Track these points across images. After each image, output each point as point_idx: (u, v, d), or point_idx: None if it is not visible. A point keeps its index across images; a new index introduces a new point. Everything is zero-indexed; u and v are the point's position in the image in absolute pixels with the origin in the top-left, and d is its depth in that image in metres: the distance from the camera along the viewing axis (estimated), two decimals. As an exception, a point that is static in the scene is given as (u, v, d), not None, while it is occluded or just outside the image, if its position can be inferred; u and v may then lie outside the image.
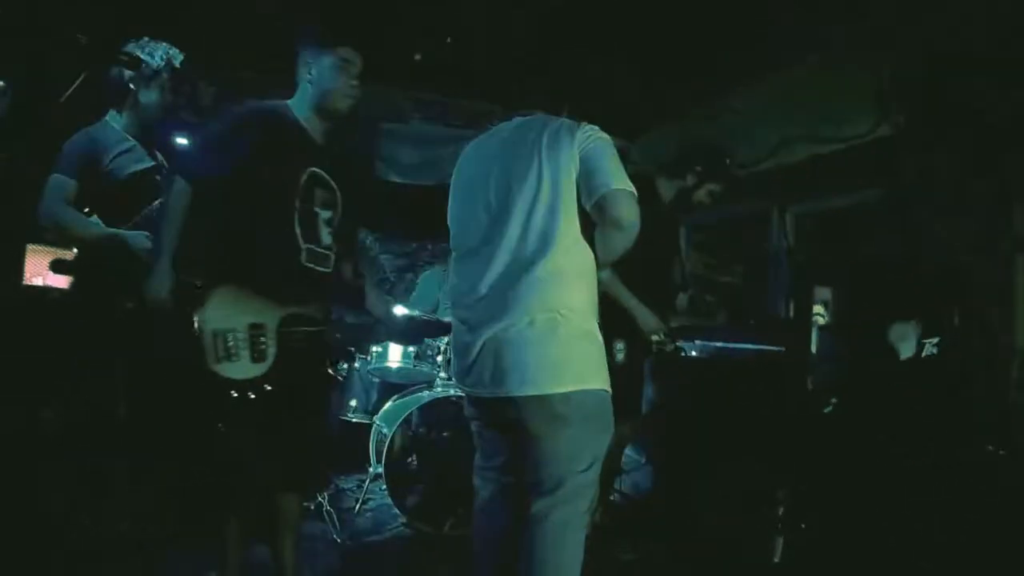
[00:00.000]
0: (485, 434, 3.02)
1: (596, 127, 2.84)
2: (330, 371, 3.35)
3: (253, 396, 2.97)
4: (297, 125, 3.22)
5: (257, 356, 3.00)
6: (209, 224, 3.14)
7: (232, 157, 2.98)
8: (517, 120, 3.04)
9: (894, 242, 5.15)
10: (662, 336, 4.25)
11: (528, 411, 2.66)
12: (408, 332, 3.75)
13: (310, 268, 3.16)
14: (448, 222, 3.16)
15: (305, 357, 3.15)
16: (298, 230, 3.12)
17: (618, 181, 2.67)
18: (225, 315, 2.96)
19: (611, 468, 4.50)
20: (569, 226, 2.74)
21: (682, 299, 4.84)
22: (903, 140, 4.89)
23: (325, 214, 3.24)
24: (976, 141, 4.34)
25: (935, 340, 3.88)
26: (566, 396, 2.62)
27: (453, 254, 3.10)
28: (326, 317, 3.27)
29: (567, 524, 2.66)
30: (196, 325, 2.91)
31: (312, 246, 3.17)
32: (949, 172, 4.54)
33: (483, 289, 2.81)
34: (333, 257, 3.29)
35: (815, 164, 5.66)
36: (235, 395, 2.96)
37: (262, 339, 3.01)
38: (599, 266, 2.85)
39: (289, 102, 3.27)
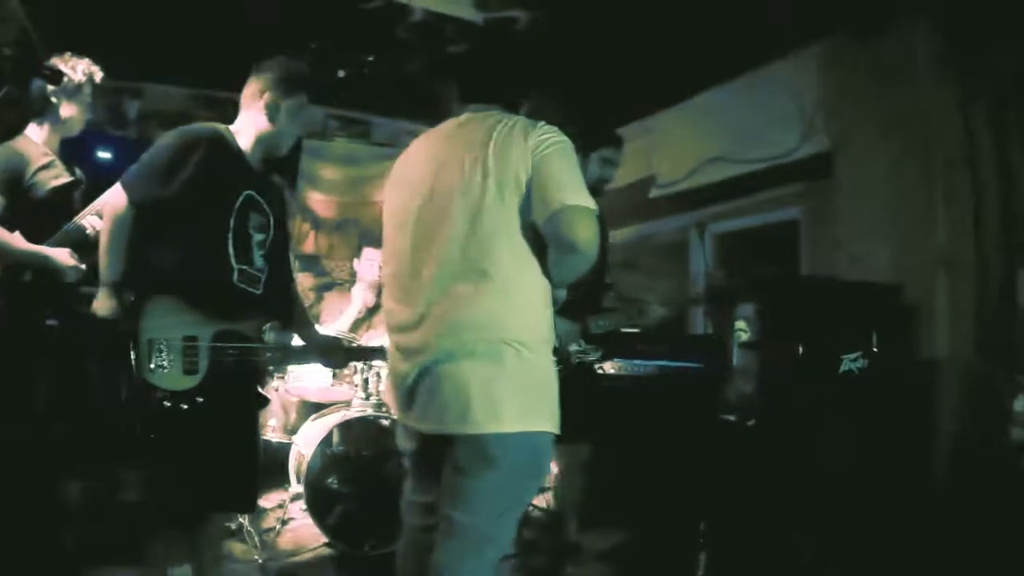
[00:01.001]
0: (419, 468, 2.72)
1: (555, 128, 2.50)
2: (259, 390, 3.29)
3: (184, 407, 2.93)
4: (237, 151, 3.21)
5: (188, 368, 2.96)
6: (145, 240, 3.11)
7: (178, 181, 2.98)
8: (466, 115, 2.70)
9: (816, 259, 5.26)
10: (582, 345, 4.18)
11: (460, 448, 2.37)
12: (330, 354, 3.71)
13: (242, 288, 3.15)
14: (383, 233, 2.85)
15: (236, 373, 3.11)
16: (231, 251, 3.10)
17: (574, 195, 2.35)
18: (159, 325, 2.94)
19: (580, 491, 4.48)
20: (518, 242, 2.43)
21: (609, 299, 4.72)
22: (825, 159, 4.99)
23: (258, 237, 3.24)
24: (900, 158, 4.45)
25: (855, 355, 3.96)
26: (502, 437, 2.33)
27: (385, 269, 2.85)
28: (257, 336, 3.24)
29: (475, 573, 2.43)
30: (130, 334, 2.90)
31: (245, 267, 3.16)
32: (871, 190, 4.64)
33: (418, 312, 2.51)
34: (264, 279, 3.27)
35: (734, 184, 5.75)
36: (167, 404, 2.92)
37: (195, 352, 2.99)
38: (553, 287, 2.57)
39: (233, 127, 3.26)
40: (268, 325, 3.30)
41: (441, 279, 2.47)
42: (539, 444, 2.43)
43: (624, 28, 5.25)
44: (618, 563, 4.46)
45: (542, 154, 2.41)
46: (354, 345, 5.11)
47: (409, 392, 2.51)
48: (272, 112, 3.20)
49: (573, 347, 4.08)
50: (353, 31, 5.51)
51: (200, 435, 2.99)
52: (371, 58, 5.89)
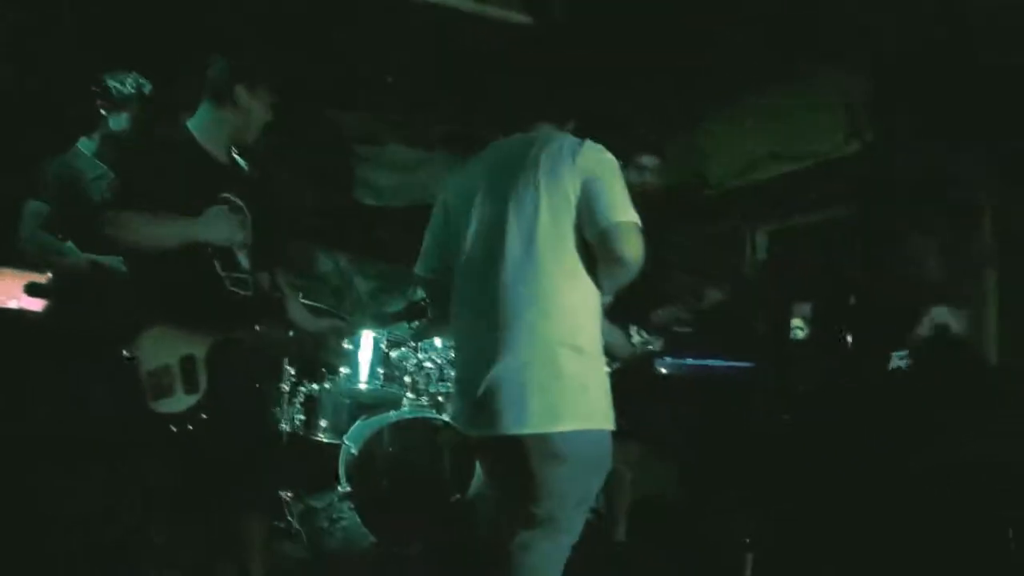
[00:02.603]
0: (489, 467, 2.88)
1: (601, 147, 2.65)
2: (261, 388, 3.30)
3: (191, 427, 2.94)
4: (201, 151, 3.14)
5: (190, 387, 2.96)
6: (131, 262, 3.16)
7: (151, 197, 2.91)
8: (517, 137, 2.85)
9: (866, 256, 5.18)
10: (645, 336, 4.16)
11: (530, 448, 2.50)
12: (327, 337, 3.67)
13: (232, 293, 3.13)
14: (426, 246, 3.03)
15: (236, 381, 3.11)
16: (216, 261, 3.08)
17: (620, 213, 2.50)
18: (156, 353, 2.93)
19: (629, 488, 4.46)
20: (570, 257, 2.59)
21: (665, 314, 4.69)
22: (873, 155, 4.92)
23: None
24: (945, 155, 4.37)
25: (903, 354, 3.89)
26: (564, 436, 2.47)
27: (423, 280, 3.05)
28: (255, 338, 3.24)
29: (549, 558, 2.59)
30: (131, 365, 2.89)
31: (230, 273, 3.13)
32: (919, 186, 4.56)
33: (478, 322, 2.67)
34: (252, 278, 3.25)
35: (785, 182, 5.69)
36: (174, 429, 2.92)
37: (193, 370, 2.98)
38: (602, 295, 2.72)
39: (189, 124, 3.18)
40: (262, 324, 3.30)
41: (499, 294, 2.60)
42: (599, 440, 2.58)
43: (671, 27, 5.23)
44: (664, 563, 4.42)
45: (591, 173, 2.54)
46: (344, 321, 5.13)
47: (477, 401, 2.60)
48: (242, 103, 3.13)
49: (636, 338, 4.07)
50: (398, 35, 5.56)
51: (210, 448, 3.02)
52: (417, 62, 5.92)
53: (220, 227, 3.03)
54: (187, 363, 2.97)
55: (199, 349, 3.01)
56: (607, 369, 2.75)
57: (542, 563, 2.58)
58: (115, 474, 3.52)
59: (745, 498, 4.21)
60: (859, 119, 5.03)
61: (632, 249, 2.48)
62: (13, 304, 4.23)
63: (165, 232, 2.94)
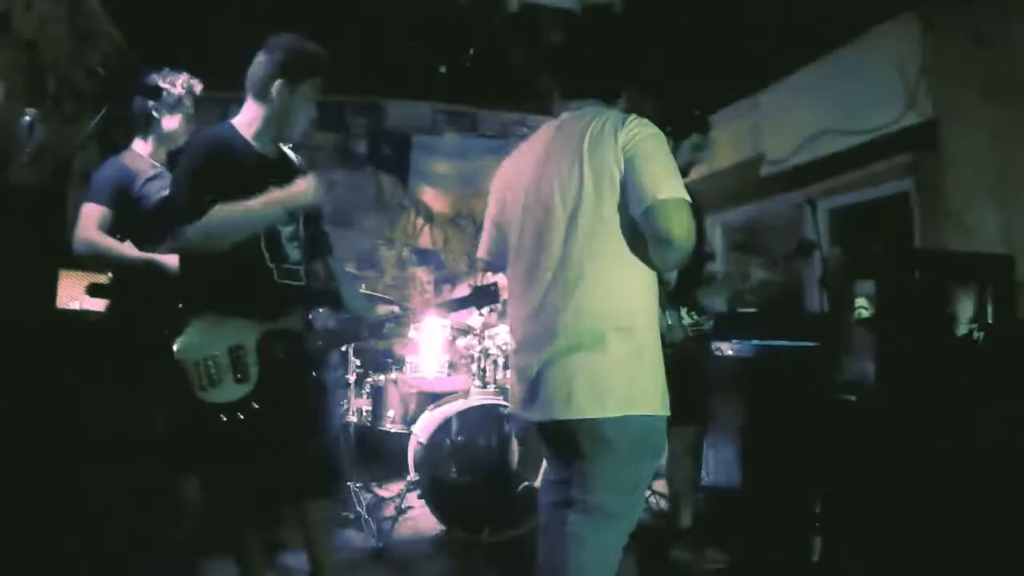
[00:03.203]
0: (547, 452, 2.80)
1: (646, 121, 2.54)
2: (316, 377, 3.32)
3: (242, 417, 2.96)
4: (248, 147, 3.16)
5: (240, 377, 2.99)
6: (183, 256, 3.18)
7: (206, 193, 2.90)
8: (564, 116, 2.77)
9: (928, 231, 5.11)
10: (695, 317, 4.15)
11: (578, 433, 2.46)
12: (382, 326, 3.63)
13: (283, 284, 3.15)
14: (486, 229, 2.97)
15: (288, 369, 3.12)
16: (265, 252, 3.10)
17: (666, 189, 2.38)
18: (204, 343, 2.96)
19: (691, 472, 4.46)
20: (617, 237, 2.50)
21: (714, 280, 4.62)
22: (931, 128, 4.85)
23: (287, 231, 3.20)
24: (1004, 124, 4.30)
25: (971, 328, 3.84)
26: (613, 421, 2.41)
27: (508, 267, 2.88)
28: (305, 327, 3.25)
29: (602, 551, 2.52)
30: (178, 357, 2.93)
31: (280, 264, 3.16)
32: (977, 158, 4.49)
33: (530, 307, 2.64)
34: (302, 269, 3.27)
35: (844, 157, 5.63)
36: (225, 419, 2.95)
37: (243, 360, 3.01)
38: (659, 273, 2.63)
39: (235, 122, 3.20)
40: (314, 313, 3.31)
41: (547, 276, 2.58)
42: (651, 426, 2.50)
43: (723, 6, 5.19)
44: (731, 549, 4.41)
45: (634, 150, 2.45)
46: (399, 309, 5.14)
47: (531, 386, 2.58)
48: (282, 99, 3.12)
49: (686, 319, 4.06)
50: (450, 24, 5.58)
51: (262, 436, 3.02)
52: (472, 51, 5.94)
53: (297, 195, 3.05)
54: (236, 353, 3.00)
55: (248, 338, 3.04)
56: (660, 353, 2.61)
57: (594, 559, 2.52)
58: (171, 471, 3.58)
59: (811, 480, 4.17)
60: (916, 91, 4.96)
61: (680, 227, 2.37)
62: (75, 305, 4.31)
63: (253, 217, 2.97)
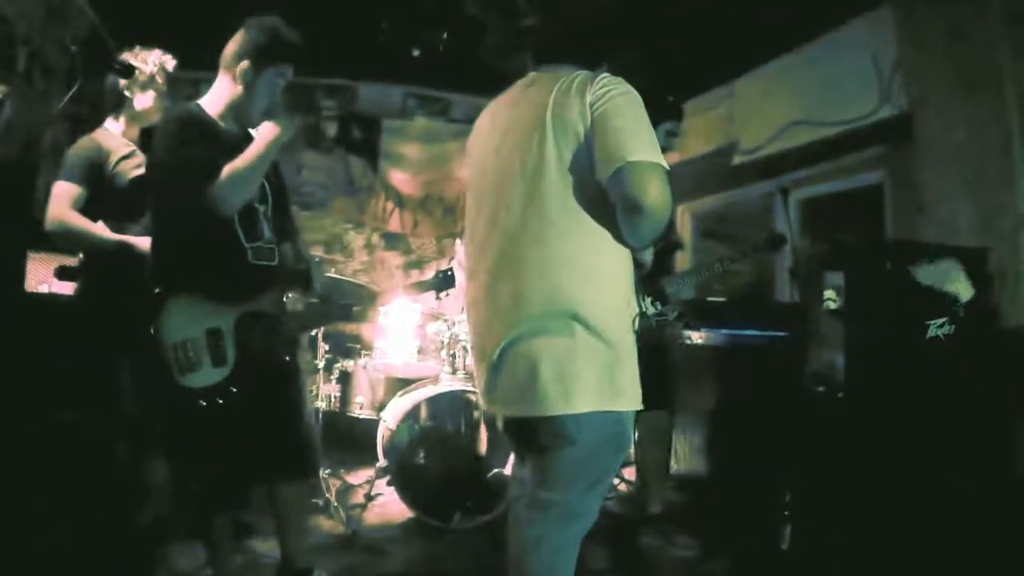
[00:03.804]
0: (511, 443, 2.70)
1: (620, 79, 2.28)
2: (291, 359, 3.29)
3: (220, 400, 2.93)
4: (216, 127, 3.11)
5: (218, 360, 2.95)
6: (157, 232, 3.15)
7: (180, 173, 2.89)
8: (532, 75, 2.53)
9: (900, 223, 5.15)
10: (660, 307, 4.15)
11: (539, 428, 2.30)
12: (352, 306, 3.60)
13: (258, 264, 3.12)
14: (467, 204, 2.69)
15: (265, 352, 3.10)
16: (240, 231, 3.07)
17: (636, 150, 2.11)
18: (181, 326, 2.92)
19: (660, 459, 4.47)
20: (583, 208, 2.26)
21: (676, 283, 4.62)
22: (906, 120, 4.88)
23: (261, 208, 3.18)
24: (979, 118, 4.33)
25: (941, 322, 3.85)
26: (576, 418, 2.23)
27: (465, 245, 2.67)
28: (281, 309, 3.22)
29: (560, 550, 2.39)
30: (155, 340, 2.88)
31: (257, 243, 3.13)
32: (952, 151, 4.52)
33: (481, 286, 2.45)
34: (276, 249, 3.25)
35: (817, 148, 5.66)
36: (203, 404, 2.91)
37: (220, 343, 2.97)
38: (632, 251, 2.41)
39: (201, 102, 3.16)
40: (289, 294, 3.29)
41: (505, 253, 2.36)
42: (617, 421, 2.32)
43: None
44: (701, 535, 4.43)
45: (603, 107, 2.20)
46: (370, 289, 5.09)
47: (490, 374, 2.41)
48: (246, 81, 3.08)
49: (651, 309, 4.05)
50: (424, 7, 5.54)
51: (241, 420, 3.00)
52: (445, 35, 5.90)
53: (284, 124, 3.02)
54: (213, 336, 2.96)
55: (225, 321, 3.00)
56: (633, 340, 2.39)
57: (553, 558, 2.39)
58: (146, 456, 3.55)
59: (781, 469, 4.19)
60: (890, 83, 4.99)
61: (652, 193, 2.09)
62: (44, 288, 4.24)
63: (252, 164, 2.94)
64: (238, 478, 3.20)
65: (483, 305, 2.46)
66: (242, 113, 3.15)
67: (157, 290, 2.94)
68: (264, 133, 2.99)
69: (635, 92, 2.27)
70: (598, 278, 2.29)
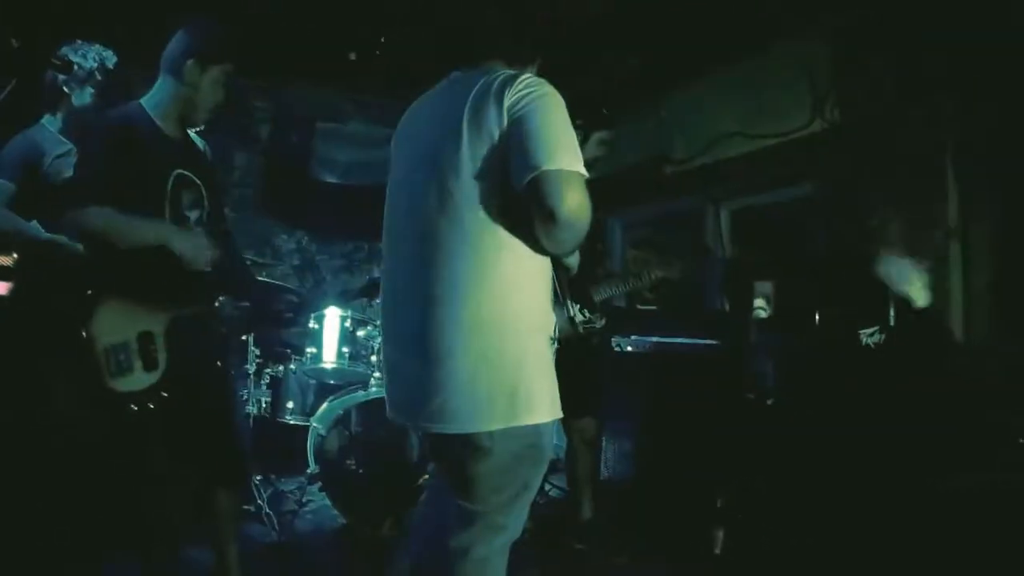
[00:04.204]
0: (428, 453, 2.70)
1: (542, 80, 2.17)
2: (222, 364, 3.27)
3: (152, 406, 2.89)
4: (154, 128, 3.09)
5: (149, 364, 2.91)
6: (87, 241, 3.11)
7: (110, 177, 2.87)
8: (454, 75, 2.43)
9: (830, 236, 5.24)
10: (587, 315, 4.18)
11: (454, 442, 2.22)
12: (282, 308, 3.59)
13: (190, 269, 3.06)
14: None
15: (196, 356, 3.09)
16: None
17: (552, 158, 2.01)
18: (113, 329, 2.87)
19: (590, 465, 4.49)
20: (497, 215, 2.16)
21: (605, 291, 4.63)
22: (836, 134, 4.97)
23: (194, 214, 3.16)
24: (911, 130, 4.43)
25: (872, 331, 3.94)
26: (493, 435, 2.15)
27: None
28: (211, 313, 3.24)
29: (487, 560, 2.30)
30: (86, 342, 2.82)
31: None
32: (884, 163, 4.62)
33: (391, 293, 2.39)
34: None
35: (749, 160, 5.74)
36: (135, 408, 2.87)
37: (152, 347, 2.93)
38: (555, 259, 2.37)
39: (143, 101, 3.14)
40: (222, 298, 3.27)
41: (414, 266, 2.26)
42: (534, 432, 2.24)
43: (638, 4, 5.24)
44: (633, 540, 4.47)
45: (521, 111, 2.09)
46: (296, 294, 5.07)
47: (399, 388, 2.38)
48: (190, 80, 3.07)
49: (578, 316, 4.05)
50: (361, 12, 5.51)
51: (172, 425, 2.99)
52: (383, 39, 5.88)
53: (194, 246, 2.98)
54: (145, 339, 2.92)
55: (157, 325, 2.97)
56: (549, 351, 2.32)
57: (480, 570, 2.30)
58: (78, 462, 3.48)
59: (713, 475, 4.25)
60: (824, 97, 5.08)
61: (570, 203, 2.01)
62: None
63: (136, 234, 2.91)
64: (169, 483, 3.17)
65: (393, 314, 2.42)
66: (187, 113, 3.15)
67: (89, 291, 2.88)
68: (166, 235, 2.95)
69: (557, 95, 2.17)
70: (511, 288, 2.20)
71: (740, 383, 4.27)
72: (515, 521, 2.36)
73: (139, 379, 2.89)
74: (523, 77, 2.15)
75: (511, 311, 2.19)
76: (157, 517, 3.26)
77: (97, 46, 3.69)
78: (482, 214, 2.15)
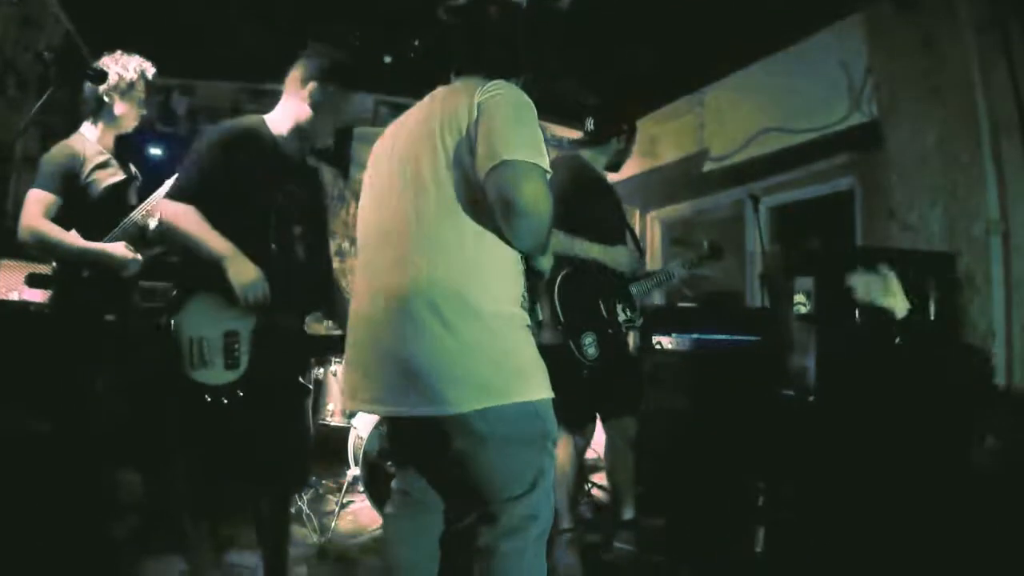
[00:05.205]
0: (401, 453, 2.65)
1: (513, 85, 2.30)
2: (302, 379, 3.30)
3: (226, 401, 2.95)
4: (274, 143, 3.21)
5: (230, 363, 2.98)
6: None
7: (220, 181, 2.99)
8: (451, 85, 2.53)
9: (870, 229, 5.19)
10: (629, 313, 4.17)
11: (449, 433, 2.24)
12: None
13: (285, 275, 3.12)
14: None
15: (278, 366, 3.13)
16: (274, 245, 3.11)
17: (513, 149, 2.12)
18: (201, 322, 2.98)
19: (631, 464, 4.47)
20: (469, 210, 2.26)
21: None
22: (875, 128, 4.92)
23: (298, 229, 3.23)
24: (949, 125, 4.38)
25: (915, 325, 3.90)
26: (482, 413, 2.18)
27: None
28: (301, 328, 3.28)
29: (521, 554, 2.29)
30: (172, 328, 2.94)
31: (288, 258, 3.16)
32: (922, 157, 4.57)
33: (375, 285, 2.39)
34: (304, 269, 3.26)
35: (788, 154, 5.70)
36: (208, 399, 2.94)
37: (236, 347, 3.00)
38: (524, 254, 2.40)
39: (267, 117, 3.26)
40: (311, 315, 3.32)
41: (390, 256, 2.33)
42: (531, 413, 2.28)
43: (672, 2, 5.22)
44: (674, 540, 4.44)
45: (486, 107, 2.22)
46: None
47: (368, 373, 2.36)
48: (314, 101, 3.18)
49: (620, 316, 4.07)
50: (397, 15, 5.53)
51: (242, 425, 3.04)
52: (416, 42, 5.89)
53: (246, 279, 2.97)
54: (230, 338, 3.01)
55: (244, 327, 3.04)
56: (530, 331, 2.38)
57: (514, 565, 2.29)
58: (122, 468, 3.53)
59: (753, 473, 4.21)
60: (861, 90, 5.03)
61: (527, 194, 2.10)
62: (14, 296, 4.19)
63: (207, 246, 2.96)
64: (227, 480, 3.21)
65: (366, 299, 2.42)
66: (310, 131, 3.26)
67: (175, 289, 3.05)
68: (226, 258, 2.96)
69: (525, 97, 2.29)
70: (487, 277, 2.28)
71: (780, 379, 4.23)
72: (543, 510, 2.36)
73: (218, 375, 2.98)
74: (496, 81, 2.29)
75: (491, 295, 2.26)
76: (200, 516, 3.28)
77: (137, 56, 3.74)
78: (455, 205, 2.27)
